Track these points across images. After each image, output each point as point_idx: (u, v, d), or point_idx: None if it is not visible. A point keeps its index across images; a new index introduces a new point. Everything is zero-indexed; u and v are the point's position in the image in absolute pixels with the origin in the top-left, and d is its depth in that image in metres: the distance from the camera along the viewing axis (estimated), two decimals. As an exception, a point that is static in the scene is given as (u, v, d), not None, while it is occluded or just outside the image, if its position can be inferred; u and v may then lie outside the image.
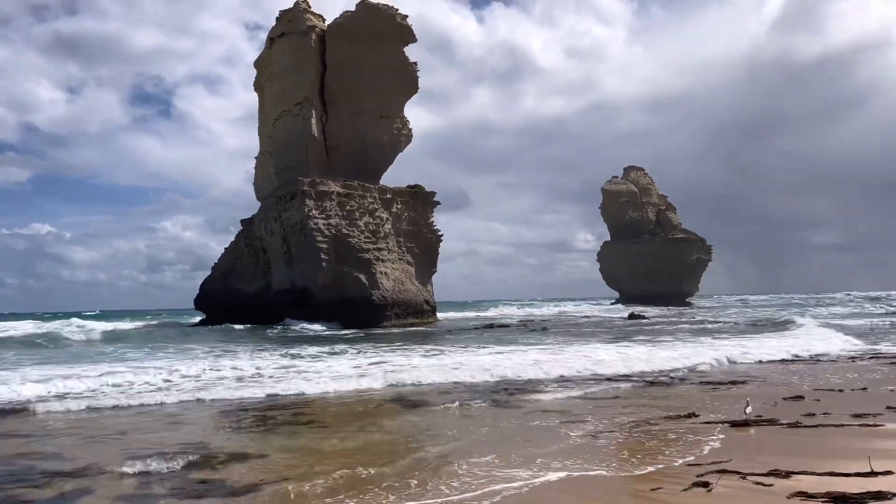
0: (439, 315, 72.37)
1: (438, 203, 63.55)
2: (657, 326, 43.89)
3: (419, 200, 62.46)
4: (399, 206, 60.76)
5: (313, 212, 54.22)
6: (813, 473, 7.58)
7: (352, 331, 46.02)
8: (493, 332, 41.95)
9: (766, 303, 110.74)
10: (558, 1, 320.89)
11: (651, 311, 72.48)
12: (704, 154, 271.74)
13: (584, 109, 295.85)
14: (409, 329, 49.42)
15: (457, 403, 13.66)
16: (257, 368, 19.71)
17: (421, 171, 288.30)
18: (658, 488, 7.30)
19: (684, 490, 7.18)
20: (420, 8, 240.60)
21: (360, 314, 53.45)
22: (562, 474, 8.03)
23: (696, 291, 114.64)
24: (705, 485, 7.29)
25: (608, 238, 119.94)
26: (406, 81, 62.11)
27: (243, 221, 68.10)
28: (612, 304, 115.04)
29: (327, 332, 44.33)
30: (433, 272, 63.76)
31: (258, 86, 68.08)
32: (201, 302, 66.84)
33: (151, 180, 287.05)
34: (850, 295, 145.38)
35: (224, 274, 66.83)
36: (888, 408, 11.92)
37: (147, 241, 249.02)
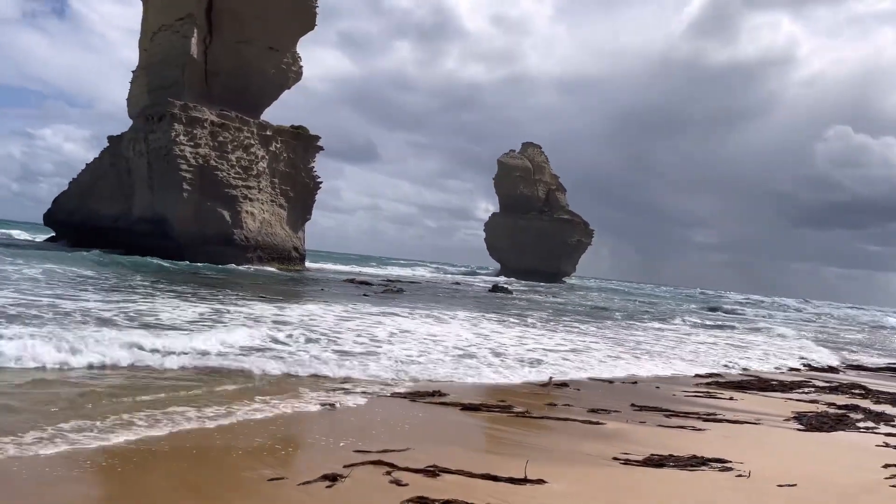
0: (314, 265, 70.63)
1: (321, 148, 61.22)
2: (514, 301, 44.22)
3: (301, 142, 59.88)
4: (278, 146, 58.00)
5: (181, 137, 50.74)
6: (469, 474, 6.81)
7: (190, 266, 43.44)
8: (346, 287, 40.75)
9: (639, 291, 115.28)
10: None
11: (519, 285, 73.58)
12: (607, 140, 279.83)
13: (502, 80, 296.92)
14: (266, 272, 47.24)
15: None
16: None
17: (331, 116, 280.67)
18: (278, 478, 6.30)
19: (303, 483, 6.21)
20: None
21: (220, 252, 50.94)
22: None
23: (573, 272, 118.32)
24: (334, 478, 6.37)
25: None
26: (303, 16, 58.67)
27: (111, 138, 63.16)
28: (496, 275, 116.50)
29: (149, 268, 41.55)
30: (307, 219, 61.66)
31: (144, -6, 62.61)
32: (51, 217, 62.04)
33: (34, 82, 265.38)
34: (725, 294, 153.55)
35: (83, 191, 62.03)
36: (632, 405, 11.60)
37: (23, 146, 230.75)
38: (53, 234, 63.30)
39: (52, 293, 19.14)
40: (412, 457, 7.29)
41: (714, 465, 7.82)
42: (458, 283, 65.08)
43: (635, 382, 14.60)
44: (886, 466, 8.26)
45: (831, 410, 12.19)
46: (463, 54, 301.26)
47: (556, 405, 11.16)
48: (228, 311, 18.87)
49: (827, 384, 16.35)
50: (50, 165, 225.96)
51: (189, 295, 23.19)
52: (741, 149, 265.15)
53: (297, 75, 60.42)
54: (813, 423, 10.91)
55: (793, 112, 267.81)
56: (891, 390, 15.82)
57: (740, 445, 9.13)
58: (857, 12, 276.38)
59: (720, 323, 41.35)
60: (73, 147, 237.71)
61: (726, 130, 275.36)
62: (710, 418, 10.93)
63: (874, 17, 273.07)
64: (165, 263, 42.50)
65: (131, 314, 16.45)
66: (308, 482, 6.24)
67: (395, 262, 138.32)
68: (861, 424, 11.19)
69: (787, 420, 11.28)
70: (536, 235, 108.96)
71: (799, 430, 10.63)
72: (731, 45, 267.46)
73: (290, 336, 15.42)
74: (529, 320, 27.81)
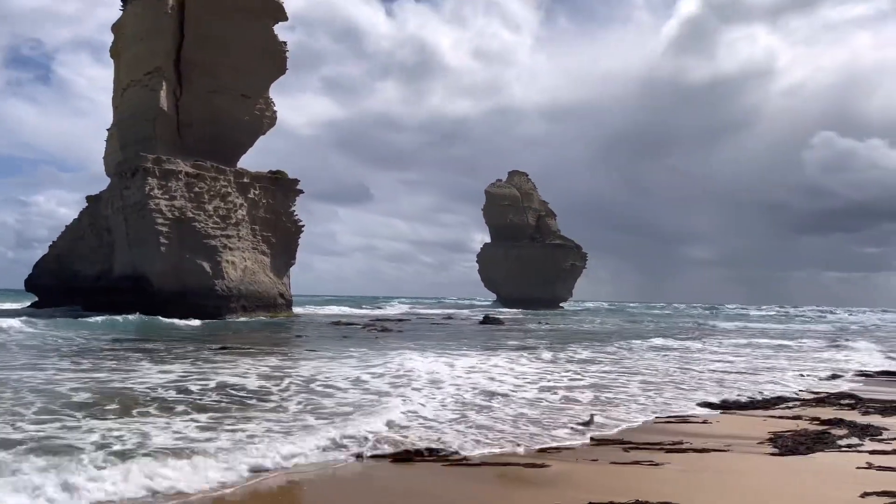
0: (303, 310, 69.63)
1: (301, 192, 60.62)
2: (504, 332, 42.98)
3: (280, 187, 59.21)
4: (257, 192, 57.29)
5: (155, 191, 49.99)
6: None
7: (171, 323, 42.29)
8: (328, 330, 39.58)
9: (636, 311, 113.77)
10: (468, 1, 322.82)
11: (512, 314, 72.29)
12: (597, 163, 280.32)
13: (488, 112, 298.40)
14: (249, 321, 46.15)
15: None
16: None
17: (321, 160, 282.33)
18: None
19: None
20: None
21: (202, 305, 49.76)
22: None
23: (570, 297, 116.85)
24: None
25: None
26: (273, 61, 58.51)
27: (89, 198, 62.73)
28: (493, 306, 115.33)
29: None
30: (291, 263, 60.75)
31: (115, 52, 62.60)
32: (33, 282, 61.07)
33: (24, 150, 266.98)
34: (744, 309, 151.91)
35: (62, 253, 61.26)
36: (591, 438, 10.39)
37: (17, 215, 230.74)
38: (37, 298, 62.24)
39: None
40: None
41: (658, 510, 6.65)
42: (449, 318, 63.78)
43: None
44: (864, 496, 7.08)
45: (811, 428, 10.98)
46: (447, 90, 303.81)
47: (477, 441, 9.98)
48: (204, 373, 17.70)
49: (814, 395, 15.13)
50: (45, 231, 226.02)
51: (147, 357, 22.07)
52: (730, 163, 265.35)
53: (272, 120, 60.01)
54: (788, 444, 9.72)
55: (777, 122, 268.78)
56: (883, 397, 14.59)
57: (699, 481, 7.96)
58: (831, 19, 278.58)
59: (729, 338, 40.08)
60: (67, 211, 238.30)
61: (714, 146, 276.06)
62: (675, 448, 9.73)
63: (849, 23, 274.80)
64: (145, 319, 41.50)
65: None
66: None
67: (394, 301, 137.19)
68: (843, 442, 9.99)
69: (762, 443, 10.07)
70: (529, 263, 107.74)
71: (773, 454, 9.43)
72: (711, 60, 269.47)
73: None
74: (521, 353, 26.48)
